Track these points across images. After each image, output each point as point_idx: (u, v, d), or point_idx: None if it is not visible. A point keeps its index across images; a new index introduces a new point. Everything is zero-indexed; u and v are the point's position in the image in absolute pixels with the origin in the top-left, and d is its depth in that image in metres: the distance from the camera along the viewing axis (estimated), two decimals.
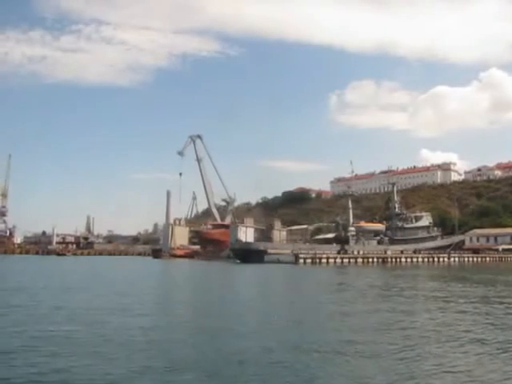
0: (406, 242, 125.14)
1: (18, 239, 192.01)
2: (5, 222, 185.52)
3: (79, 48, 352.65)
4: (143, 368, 12.43)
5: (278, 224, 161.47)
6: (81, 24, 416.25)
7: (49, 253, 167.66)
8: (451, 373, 12.18)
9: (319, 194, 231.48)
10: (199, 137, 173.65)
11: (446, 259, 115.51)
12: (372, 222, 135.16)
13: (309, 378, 11.86)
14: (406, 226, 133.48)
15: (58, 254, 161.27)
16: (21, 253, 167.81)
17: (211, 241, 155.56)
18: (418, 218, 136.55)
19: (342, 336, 16.99)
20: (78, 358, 13.27)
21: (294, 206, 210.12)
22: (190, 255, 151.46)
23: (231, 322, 20.50)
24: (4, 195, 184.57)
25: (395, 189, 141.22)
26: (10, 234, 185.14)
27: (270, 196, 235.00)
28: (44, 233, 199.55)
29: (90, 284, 41.69)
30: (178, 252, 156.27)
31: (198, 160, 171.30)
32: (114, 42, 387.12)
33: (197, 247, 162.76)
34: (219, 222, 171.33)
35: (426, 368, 12.64)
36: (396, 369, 12.54)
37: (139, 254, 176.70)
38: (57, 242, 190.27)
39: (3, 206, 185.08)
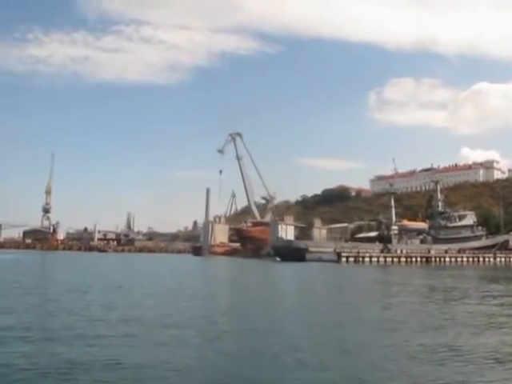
0: (449, 241, 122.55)
1: (60, 235, 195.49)
2: (48, 218, 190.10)
3: (120, 48, 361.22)
4: None
5: (318, 222, 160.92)
6: (122, 24, 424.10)
7: (91, 249, 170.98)
8: None
9: (359, 193, 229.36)
10: (239, 135, 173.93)
11: (491, 259, 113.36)
12: (414, 220, 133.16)
13: None
14: (450, 224, 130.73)
15: (100, 251, 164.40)
16: (64, 249, 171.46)
17: (251, 238, 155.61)
18: (461, 217, 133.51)
19: (441, 340, 16.01)
20: (144, 371, 12.05)
21: (333, 204, 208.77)
22: (230, 253, 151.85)
23: (312, 330, 18.64)
24: (48, 192, 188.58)
25: (438, 187, 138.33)
26: (54, 230, 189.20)
27: (310, 194, 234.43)
28: (86, 229, 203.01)
29: (138, 282, 41.61)
30: (218, 249, 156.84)
31: (238, 158, 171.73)
32: (153, 42, 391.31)
33: (236, 245, 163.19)
34: (259, 219, 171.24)
35: None
36: None
37: (179, 252, 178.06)
38: (98, 239, 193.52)
39: (47, 203, 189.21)
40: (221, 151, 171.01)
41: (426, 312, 23.99)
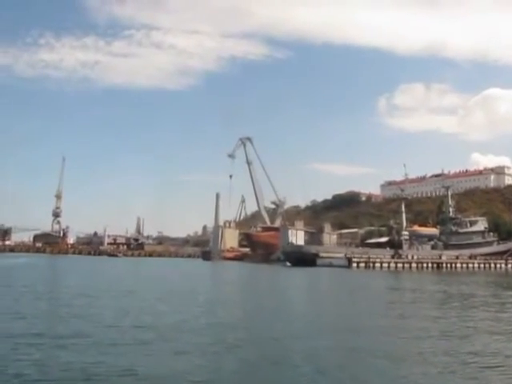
0: (460, 247, 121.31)
1: (71, 239, 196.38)
2: (59, 222, 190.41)
3: (130, 53, 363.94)
4: None
5: (328, 227, 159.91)
6: (132, 29, 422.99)
7: (100, 253, 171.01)
8: None
9: (369, 198, 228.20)
10: (249, 139, 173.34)
11: (503, 265, 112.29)
12: (425, 226, 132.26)
13: None
14: (461, 230, 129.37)
15: (110, 255, 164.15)
16: (74, 253, 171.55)
17: (261, 243, 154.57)
18: (472, 223, 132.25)
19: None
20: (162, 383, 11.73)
21: (343, 209, 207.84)
22: (240, 257, 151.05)
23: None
24: (58, 196, 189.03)
25: (449, 193, 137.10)
26: (64, 234, 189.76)
27: (320, 199, 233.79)
28: (96, 234, 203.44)
29: (150, 287, 41.40)
30: (228, 254, 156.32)
31: (248, 162, 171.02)
32: (163, 47, 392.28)
33: (246, 250, 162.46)
34: (269, 224, 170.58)
35: None
36: None
37: (189, 256, 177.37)
38: (108, 243, 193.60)
39: (57, 208, 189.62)
40: (231, 156, 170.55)
41: (447, 319, 23.46)
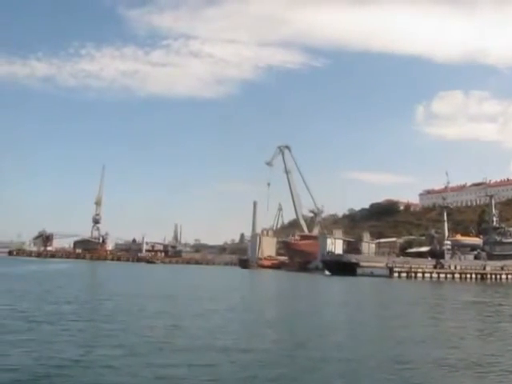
0: (505, 257, 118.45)
1: (109, 246, 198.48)
2: (98, 229, 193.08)
3: (168, 62, 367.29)
4: None
5: (366, 236, 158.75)
6: (170, 39, 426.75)
7: (139, 260, 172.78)
8: None
9: (407, 207, 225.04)
10: (288, 147, 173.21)
11: None
12: (467, 235, 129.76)
13: None
14: (505, 240, 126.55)
15: (148, 262, 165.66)
16: (112, 259, 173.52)
17: (299, 252, 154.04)
18: None
19: None
20: None
21: (381, 218, 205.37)
22: (278, 266, 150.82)
23: None
24: (98, 204, 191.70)
25: (493, 202, 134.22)
26: (103, 240, 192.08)
27: (357, 208, 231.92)
28: (134, 240, 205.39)
29: (196, 296, 40.57)
30: (266, 262, 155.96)
31: (287, 171, 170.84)
32: (201, 56, 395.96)
33: (284, 258, 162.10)
34: (307, 233, 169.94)
35: None
36: None
37: (226, 264, 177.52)
38: (146, 250, 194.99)
39: (97, 214, 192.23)
40: (269, 164, 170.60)
41: None
